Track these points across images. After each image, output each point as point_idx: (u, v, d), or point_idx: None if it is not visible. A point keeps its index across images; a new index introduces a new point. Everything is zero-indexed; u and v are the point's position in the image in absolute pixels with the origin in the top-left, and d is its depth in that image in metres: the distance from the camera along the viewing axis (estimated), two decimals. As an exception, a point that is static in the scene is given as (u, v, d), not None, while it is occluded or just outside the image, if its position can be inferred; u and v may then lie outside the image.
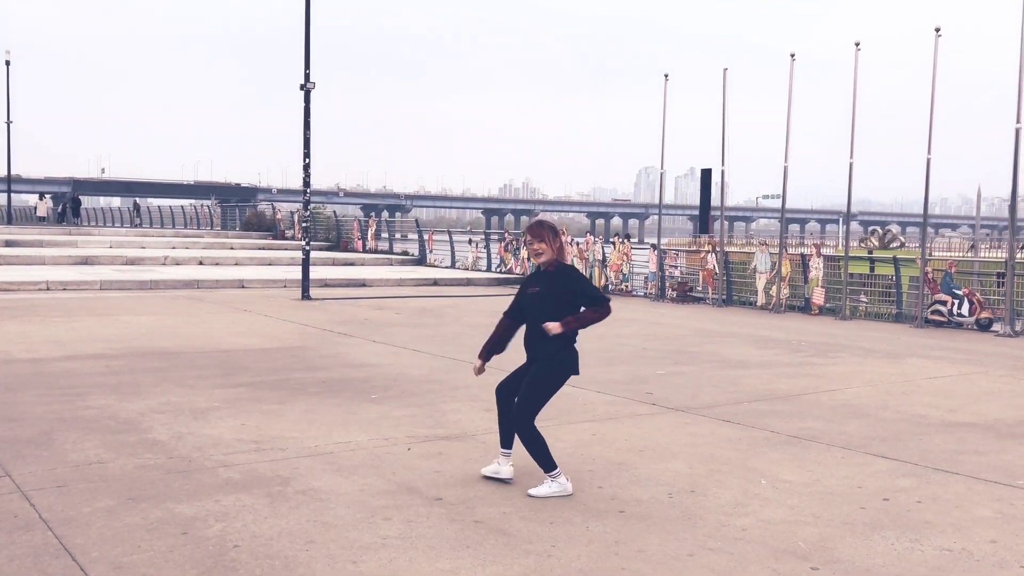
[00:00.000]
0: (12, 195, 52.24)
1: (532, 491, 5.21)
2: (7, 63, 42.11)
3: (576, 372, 5.34)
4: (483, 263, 27.91)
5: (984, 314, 15.36)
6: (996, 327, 15.15)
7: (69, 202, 51.34)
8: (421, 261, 30.02)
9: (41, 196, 54.96)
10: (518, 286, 5.55)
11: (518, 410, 5.22)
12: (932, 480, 5.77)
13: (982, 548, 4.57)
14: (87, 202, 72.12)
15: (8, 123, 43.73)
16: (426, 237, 30.66)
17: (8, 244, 28.16)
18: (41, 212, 52.19)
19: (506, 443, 5.43)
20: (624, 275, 21.84)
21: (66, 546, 4.28)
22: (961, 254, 22.37)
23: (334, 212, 40.35)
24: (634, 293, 21.67)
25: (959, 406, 8.28)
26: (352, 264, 27.88)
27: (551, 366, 5.24)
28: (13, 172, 49.60)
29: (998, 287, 15.92)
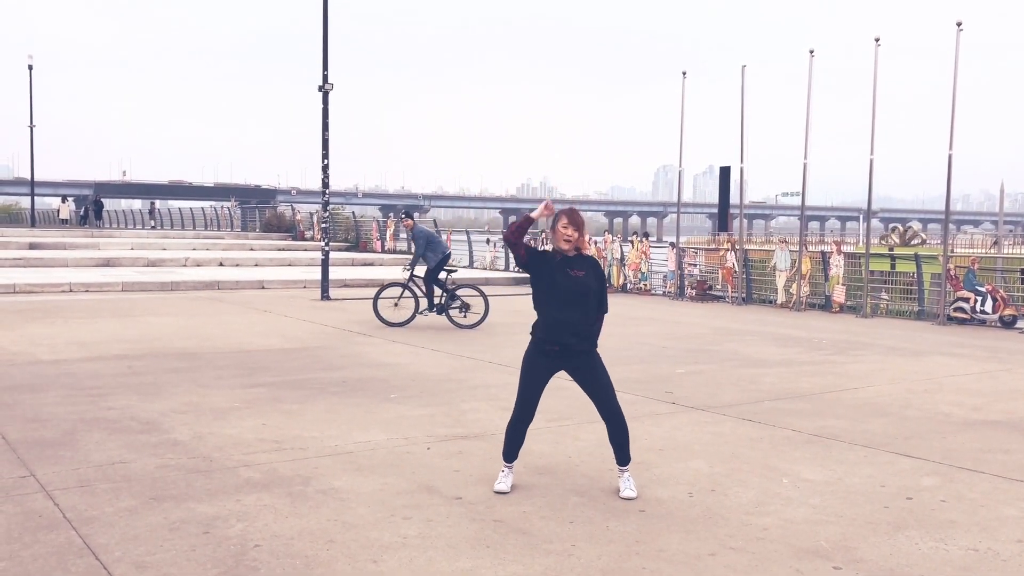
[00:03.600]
0: (35, 198, 52.69)
1: (628, 494, 5.20)
2: (29, 67, 42.55)
3: None
4: (501, 263, 27.91)
5: (1008, 311, 15.20)
6: (1020, 324, 14.99)
7: (92, 204, 51.79)
8: (439, 261, 30.01)
9: (63, 199, 55.52)
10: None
11: (618, 407, 5.27)
12: (957, 479, 5.71)
13: (1009, 548, 4.51)
14: (109, 204, 72.80)
15: (31, 127, 44.18)
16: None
17: (32, 246, 28.45)
18: (63, 215, 52.75)
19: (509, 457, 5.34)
20: (643, 274, 21.77)
21: (89, 545, 4.31)
22: (984, 251, 22.14)
23: (353, 213, 40.46)
24: (653, 292, 21.60)
25: (983, 404, 8.19)
26: (371, 264, 27.97)
27: (599, 357, 5.30)
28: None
29: (1022, 284, 15.75)
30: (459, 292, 13.80)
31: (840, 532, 4.69)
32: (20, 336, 11.56)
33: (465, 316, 13.59)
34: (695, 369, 9.94)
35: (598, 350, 5.31)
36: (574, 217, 5.19)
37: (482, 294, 14.05)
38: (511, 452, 5.30)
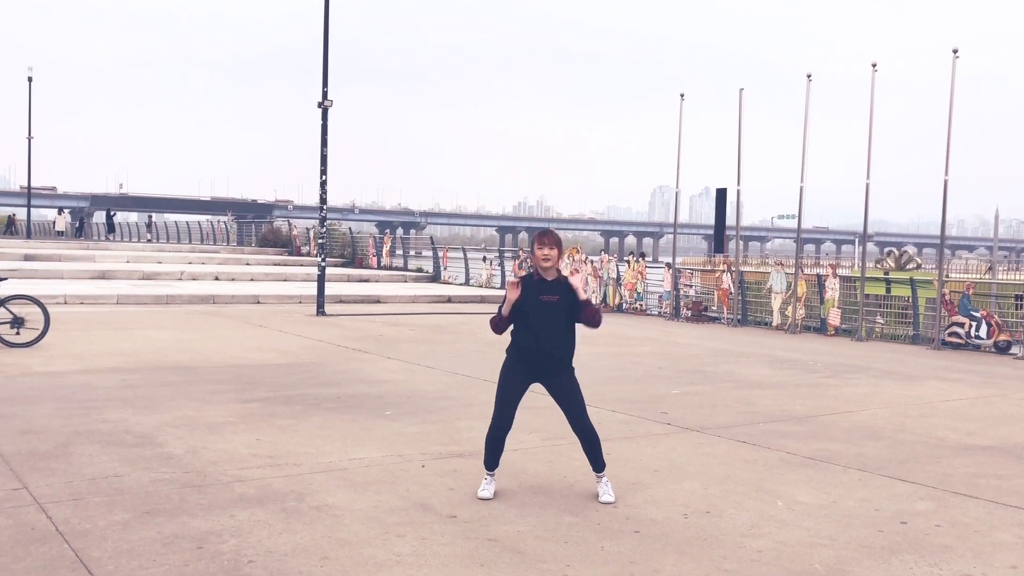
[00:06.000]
0: (31, 209, 52.69)
1: (607, 499, 5.47)
2: (29, 79, 42.64)
3: None
4: (497, 280, 27.93)
5: (1002, 336, 15.24)
6: (1015, 350, 15.02)
7: (105, 216, 52.13)
8: (435, 278, 30.08)
9: (60, 211, 55.58)
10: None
11: (588, 422, 5.51)
12: (951, 504, 5.71)
13: (1003, 574, 4.51)
14: (103, 217, 72.72)
15: (29, 139, 44.22)
16: (440, 254, 30.73)
17: (27, 258, 28.40)
18: (59, 227, 52.80)
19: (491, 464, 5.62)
20: (639, 294, 21.80)
21: (82, 559, 4.29)
22: (979, 276, 22.20)
23: (349, 229, 40.49)
24: (648, 312, 21.62)
25: (978, 429, 8.20)
26: (367, 280, 27.96)
27: (572, 372, 5.57)
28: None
29: (1016, 309, 15.80)
30: (9, 305, 11.60)
31: (834, 555, 4.68)
32: (14, 348, 11.52)
33: (19, 333, 11.47)
34: (690, 390, 9.94)
35: (576, 366, 5.59)
36: (550, 238, 5.46)
37: (40, 305, 11.77)
38: (492, 461, 5.59)
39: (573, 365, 5.57)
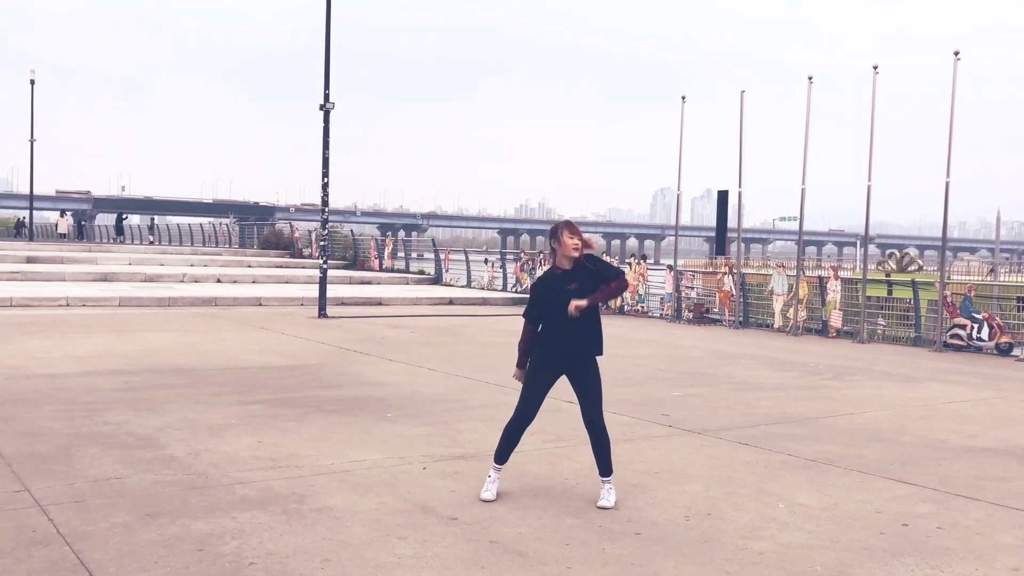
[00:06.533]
0: (33, 212, 52.82)
1: (604, 504, 5.43)
2: (31, 82, 42.69)
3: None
4: (499, 283, 27.95)
5: (1004, 338, 15.22)
6: (1016, 352, 15.00)
7: (115, 219, 52.48)
8: (437, 280, 30.09)
9: (62, 213, 55.71)
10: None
11: (601, 420, 5.53)
12: (952, 506, 5.71)
13: None
14: (107, 219, 72.87)
15: (31, 141, 44.27)
16: (442, 256, 30.73)
17: (29, 260, 28.44)
18: (62, 229, 52.92)
19: (501, 458, 5.62)
20: (640, 296, 21.80)
21: (83, 561, 4.30)
22: (980, 278, 22.17)
23: (351, 231, 40.51)
24: (650, 314, 21.61)
25: (979, 431, 8.20)
26: (369, 283, 27.98)
27: (597, 367, 5.55)
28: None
29: (1018, 311, 15.78)
30: None
31: (836, 558, 4.68)
32: (16, 350, 11.55)
33: None
34: (692, 392, 9.94)
35: (600, 358, 5.59)
36: (579, 229, 5.51)
37: None
38: (503, 453, 5.56)
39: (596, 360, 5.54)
